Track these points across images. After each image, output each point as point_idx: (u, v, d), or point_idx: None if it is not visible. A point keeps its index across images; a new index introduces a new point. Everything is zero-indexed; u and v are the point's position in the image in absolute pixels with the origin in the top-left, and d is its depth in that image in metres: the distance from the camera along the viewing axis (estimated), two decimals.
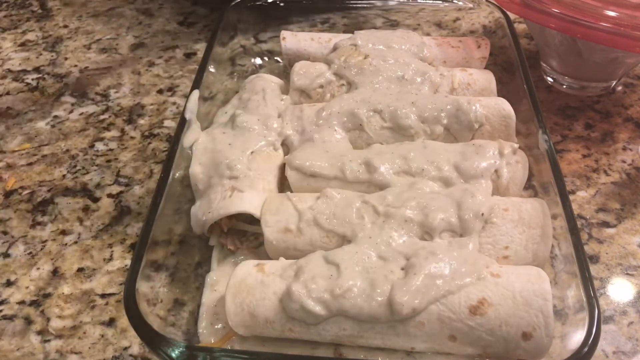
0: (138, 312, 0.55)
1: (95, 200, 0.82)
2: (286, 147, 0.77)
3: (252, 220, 0.67)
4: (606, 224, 0.76)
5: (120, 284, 0.71)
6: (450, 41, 0.92)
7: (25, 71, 1.07)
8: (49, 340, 0.65)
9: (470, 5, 0.97)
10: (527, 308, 0.54)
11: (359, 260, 0.58)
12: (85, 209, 0.81)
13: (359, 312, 0.55)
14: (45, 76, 1.06)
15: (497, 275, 0.57)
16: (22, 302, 0.69)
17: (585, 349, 0.50)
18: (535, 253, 0.62)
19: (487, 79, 0.84)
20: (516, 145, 0.71)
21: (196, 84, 0.80)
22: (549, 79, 0.96)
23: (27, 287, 0.71)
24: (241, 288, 0.59)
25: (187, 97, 0.78)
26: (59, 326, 0.67)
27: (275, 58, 0.99)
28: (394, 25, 1.04)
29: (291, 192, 0.70)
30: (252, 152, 0.72)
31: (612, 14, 0.78)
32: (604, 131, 0.89)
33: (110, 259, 0.74)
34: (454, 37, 0.93)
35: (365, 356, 0.58)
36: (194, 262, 0.70)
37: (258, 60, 0.99)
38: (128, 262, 0.73)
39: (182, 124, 0.74)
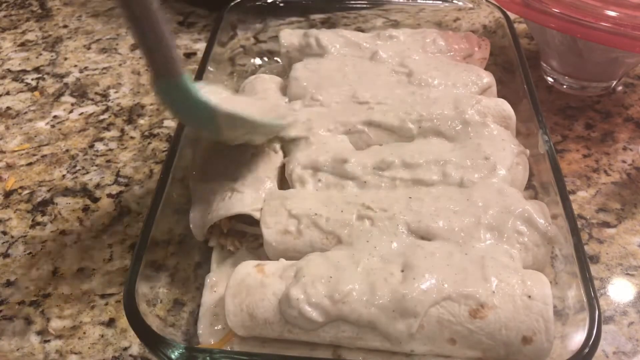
0: (137, 312, 0.55)
1: (95, 200, 0.82)
2: (286, 148, 0.76)
3: (251, 221, 0.67)
4: (606, 224, 0.76)
5: (120, 284, 0.71)
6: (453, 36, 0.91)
7: (25, 71, 1.07)
8: (48, 341, 0.65)
9: (470, 5, 0.97)
10: (528, 312, 0.54)
11: (359, 262, 0.58)
12: (85, 209, 0.80)
13: (359, 317, 0.55)
14: (45, 76, 1.06)
15: None
16: (22, 302, 0.69)
17: (586, 350, 0.50)
18: (535, 257, 0.62)
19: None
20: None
21: None
22: (549, 79, 0.96)
23: (27, 287, 0.71)
24: (241, 289, 0.59)
25: None
26: (58, 326, 0.67)
27: (275, 58, 0.99)
28: (394, 25, 1.04)
29: None
30: (252, 153, 0.72)
31: (612, 14, 0.78)
32: (604, 131, 0.89)
33: (110, 259, 0.74)
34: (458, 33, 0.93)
35: (364, 358, 0.58)
36: (194, 262, 0.70)
37: (258, 61, 0.99)
38: (128, 262, 0.73)
39: (182, 124, 0.74)
